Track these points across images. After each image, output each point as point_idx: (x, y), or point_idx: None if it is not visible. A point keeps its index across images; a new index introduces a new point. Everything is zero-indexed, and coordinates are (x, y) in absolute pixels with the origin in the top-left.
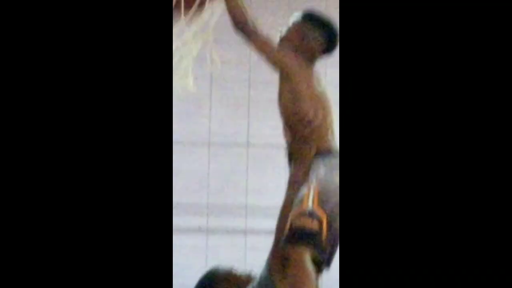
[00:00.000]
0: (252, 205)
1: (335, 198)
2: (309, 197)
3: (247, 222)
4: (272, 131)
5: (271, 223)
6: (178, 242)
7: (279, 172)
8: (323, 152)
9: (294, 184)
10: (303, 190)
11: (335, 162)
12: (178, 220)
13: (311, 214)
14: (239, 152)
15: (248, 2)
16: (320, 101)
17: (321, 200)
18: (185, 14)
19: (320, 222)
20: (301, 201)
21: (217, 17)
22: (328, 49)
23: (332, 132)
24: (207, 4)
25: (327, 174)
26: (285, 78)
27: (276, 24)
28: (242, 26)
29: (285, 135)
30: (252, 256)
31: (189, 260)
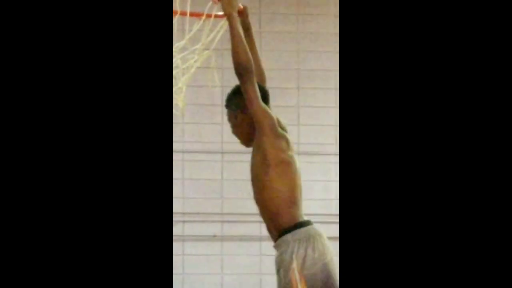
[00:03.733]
0: None
1: (320, 274)
2: (297, 284)
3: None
4: None
5: None
6: (194, 250)
7: None
8: (293, 228)
9: None
10: (288, 275)
11: (305, 233)
12: (192, 228)
13: None
14: None
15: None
16: (286, 167)
17: (309, 284)
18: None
19: None
20: None
21: (220, 36)
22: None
23: (300, 203)
24: (210, 23)
25: (306, 251)
26: (257, 138)
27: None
28: (244, 69)
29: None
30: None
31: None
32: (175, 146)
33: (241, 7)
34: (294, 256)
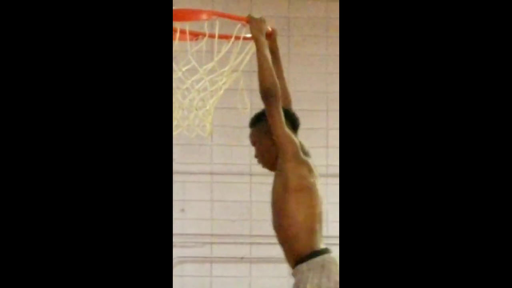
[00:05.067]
0: None
1: None
2: None
3: None
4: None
5: None
6: (220, 271)
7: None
8: (308, 257)
9: None
10: None
11: (320, 262)
12: (220, 250)
13: None
14: None
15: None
16: (306, 194)
17: None
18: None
19: None
20: None
21: (249, 57)
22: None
23: (319, 232)
24: (239, 44)
25: (321, 280)
26: (279, 164)
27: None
28: (269, 93)
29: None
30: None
31: None
32: (204, 168)
33: (270, 29)
34: (308, 286)
